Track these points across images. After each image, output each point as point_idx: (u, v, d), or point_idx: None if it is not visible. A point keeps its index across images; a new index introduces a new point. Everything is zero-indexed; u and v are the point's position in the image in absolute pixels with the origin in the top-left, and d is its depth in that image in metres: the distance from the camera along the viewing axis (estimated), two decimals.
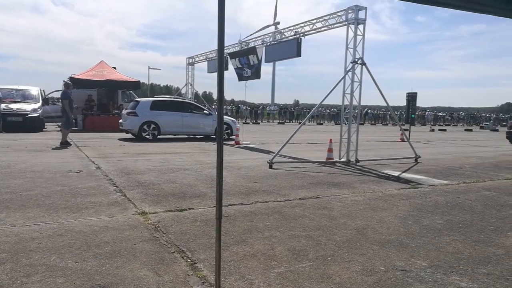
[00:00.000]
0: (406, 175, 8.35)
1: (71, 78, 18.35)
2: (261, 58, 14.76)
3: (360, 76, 9.98)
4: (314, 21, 11.55)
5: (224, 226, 4.20)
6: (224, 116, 19.59)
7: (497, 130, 37.92)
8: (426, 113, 56.55)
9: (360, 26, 9.89)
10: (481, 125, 48.37)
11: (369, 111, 49.83)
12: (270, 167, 8.61)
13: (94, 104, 20.40)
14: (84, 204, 5.02)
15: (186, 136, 15.56)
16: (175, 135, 15.35)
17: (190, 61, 21.21)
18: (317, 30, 11.57)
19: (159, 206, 5.07)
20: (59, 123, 15.81)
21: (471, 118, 59.61)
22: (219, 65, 2.57)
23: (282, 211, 5.01)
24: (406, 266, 3.35)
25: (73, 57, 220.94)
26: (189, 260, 3.34)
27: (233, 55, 16.75)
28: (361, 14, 9.84)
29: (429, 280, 3.09)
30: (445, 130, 35.22)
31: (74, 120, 12.77)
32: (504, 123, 57.11)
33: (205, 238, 3.89)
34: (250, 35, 15.77)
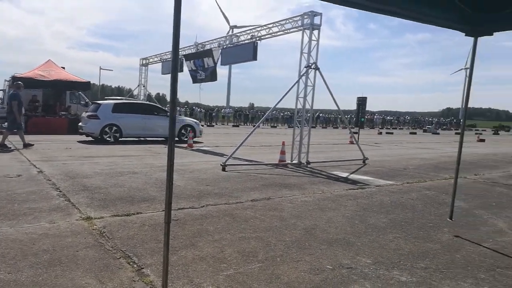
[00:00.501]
0: (354, 176, 8.64)
1: (14, 77, 17.26)
2: (217, 60, 14.72)
3: (313, 80, 10.22)
4: (271, 25, 11.70)
5: (173, 230, 4.13)
6: (188, 118, 19.54)
7: (438, 133, 40.27)
8: (375, 117, 58.93)
9: (315, 32, 10.13)
10: (424, 128, 51.09)
11: (321, 114, 51.08)
12: (223, 169, 8.59)
13: (38, 105, 19.30)
14: (22, 210, 4.73)
15: (139, 139, 15.15)
16: (137, 137, 15.05)
17: (144, 62, 20.73)
18: (273, 34, 11.72)
19: (106, 210, 4.89)
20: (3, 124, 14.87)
21: (415, 122, 62.76)
22: (173, 66, 2.52)
23: (234, 214, 5.01)
24: (352, 264, 3.47)
25: (18, 56, 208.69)
26: (135, 266, 3.25)
27: (188, 57, 16.57)
28: (317, 20, 10.08)
29: (373, 276, 3.21)
30: (392, 133, 36.86)
31: (22, 123, 12.04)
32: (444, 127, 60.82)
33: (153, 243, 3.80)
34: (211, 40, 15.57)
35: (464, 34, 4.64)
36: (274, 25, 11.52)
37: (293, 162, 10.27)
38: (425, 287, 3.05)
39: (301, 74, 10.16)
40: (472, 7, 4.26)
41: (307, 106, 10.41)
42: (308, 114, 10.61)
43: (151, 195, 5.82)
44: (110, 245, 3.69)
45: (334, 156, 12.33)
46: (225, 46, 14.09)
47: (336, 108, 11.53)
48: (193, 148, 13.58)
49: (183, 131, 15.96)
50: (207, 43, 15.47)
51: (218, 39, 14.69)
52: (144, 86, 21.09)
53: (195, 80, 16.57)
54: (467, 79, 4.84)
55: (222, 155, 11.38)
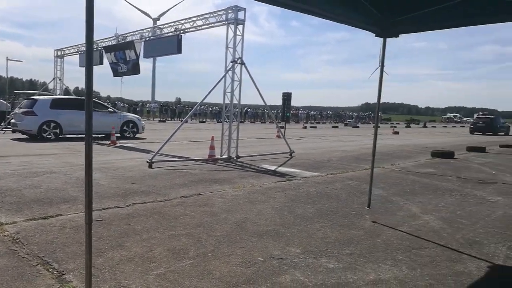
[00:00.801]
0: (282, 169, 8.86)
1: None
2: (140, 53, 14.17)
3: (239, 75, 10.26)
4: (195, 18, 11.50)
5: (97, 232, 3.90)
6: (130, 114, 19.01)
7: (358, 127, 42.87)
8: (300, 112, 60.98)
9: (240, 27, 10.15)
10: (345, 122, 54.08)
11: (248, 109, 51.66)
12: (150, 166, 8.30)
13: None
14: None
15: (56, 137, 14.08)
16: (77, 134, 14.23)
17: (59, 54, 19.24)
18: (198, 28, 11.54)
19: (19, 215, 4.47)
20: None
21: (337, 116, 66.12)
22: (87, 57, 2.35)
23: (162, 211, 4.86)
24: (282, 255, 3.54)
25: None
26: (55, 272, 3.01)
27: (108, 49, 15.72)
28: (241, 15, 10.11)
29: (302, 265, 3.31)
30: (316, 127, 38.47)
31: None
32: (363, 121, 64.88)
33: (75, 246, 3.55)
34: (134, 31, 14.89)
35: (374, 35, 4.95)
36: (198, 18, 11.36)
37: (223, 157, 10.25)
38: (350, 272, 3.21)
39: (228, 68, 10.16)
40: (381, 11, 4.57)
41: (235, 101, 10.44)
42: (236, 109, 10.65)
43: (72, 196, 5.44)
44: (25, 252, 3.37)
45: (262, 150, 12.53)
46: (147, 39, 13.60)
47: (263, 103, 11.72)
48: (117, 145, 12.96)
49: (125, 127, 15.71)
50: (128, 35, 14.80)
51: (140, 31, 14.12)
52: (60, 80, 19.60)
53: (116, 73, 15.80)
54: (382, 75, 5.17)
55: (148, 151, 11.00)
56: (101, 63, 16.61)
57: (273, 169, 8.87)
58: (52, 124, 13.82)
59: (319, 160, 10.69)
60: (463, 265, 3.41)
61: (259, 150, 12.56)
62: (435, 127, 53.68)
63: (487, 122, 32.46)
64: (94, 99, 17.17)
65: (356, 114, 71.49)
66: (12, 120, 14.51)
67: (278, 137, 18.63)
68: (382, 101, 5.65)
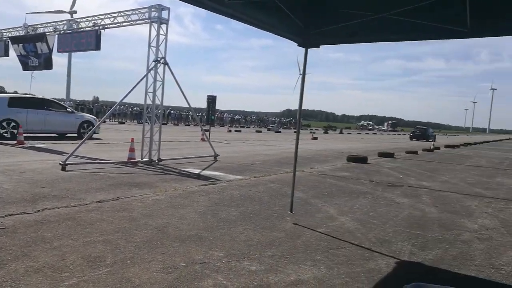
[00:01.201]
0: (206, 172, 8.79)
1: None
2: (53, 47, 13.15)
3: (162, 75, 10.00)
4: (115, 14, 10.98)
5: None
6: (87, 115, 18.31)
7: (280, 132, 44.17)
8: (224, 115, 61.24)
9: (163, 26, 9.90)
10: (268, 127, 55.43)
11: (172, 111, 50.60)
12: (63, 169, 7.72)
13: None
14: None
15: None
16: (35, 133, 14.23)
17: None
18: (119, 24, 11.03)
19: None
20: None
21: (260, 121, 67.52)
22: None
23: (76, 217, 4.54)
24: (205, 259, 3.50)
25: None
26: None
27: (16, 40, 14.36)
28: (164, 14, 9.87)
29: (225, 269, 3.30)
30: (240, 131, 38.86)
31: None
32: (285, 126, 67.03)
33: None
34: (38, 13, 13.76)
35: (297, 44, 5.14)
36: (120, 14, 10.87)
37: (144, 160, 9.88)
38: (272, 273, 3.27)
39: (150, 68, 9.85)
40: (304, 23, 4.77)
41: (157, 102, 10.15)
42: (159, 110, 10.36)
43: None
44: None
45: (186, 153, 12.33)
46: (62, 32, 12.68)
47: (187, 105, 11.54)
48: (24, 145, 11.86)
49: (82, 127, 15.73)
50: (40, 26, 13.65)
51: (54, 23, 13.11)
52: None
53: (26, 67, 14.50)
54: (304, 84, 5.38)
55: (61, 153, 10.23)
56: (6, 55, 15.12)
57: (197, 172, 8.76)
58: (12, 123, 13.70)
59: (243, 164, 10.80)
60: (375, 263, 3.66)
61: (182, 153, 12.33)
62: (351, 133, 57.28)
63: (422, 131, 43.91)
64: (52, 99, 15.34)
65: (278, 119, 73.69)
66: None
67: (203, 140, 18.48)
68: (303, 107, 5.87)
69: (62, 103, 17.71)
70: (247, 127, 57.64)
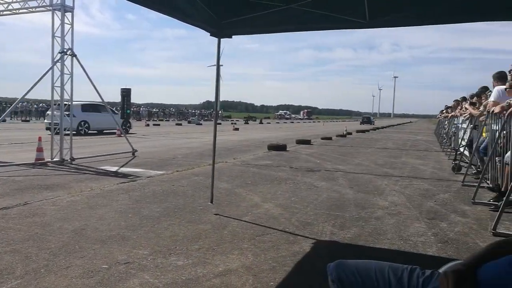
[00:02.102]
0: (124, 169, 8.40)
1: None
2: None
3: (70, 68, 9.29)
4: (10, 0, 9.89)
5: None
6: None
7: (201, 124, 43.83)
8: (141, 109, 58.98)
9: (68, 14, 9.18)
10: (188, 120, 54.63)
11: None
12: None
13: None
14: None
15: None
16: (101, 130, 15.05)
17: None
18: (14, 11, 9.99)
19: None
20: None
21: (180, 113, 66.31)
22: None
23: None
24: (129, 259, 3.35)
25: None
26: None
27: None
28: (68, 1, 9.17)
29: (151, 267, 3.19)
30: (159, 125, 37.76)
31: None
32: (206, 118, 66.64)
33: None
34: None
35: (209, 34, 5.08)
36: (15, 0, 9.83)
37: (54, 160, 9.15)
38: (200, 266, 3.24)
39: (55, 60, 9.10)
40: (215, 12, 4.74)
41: (66, 97, 9.43)
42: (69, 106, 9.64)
43: None
44: None
45: (102, 150, 11.67)
46: None
47: (100, 99, 10.90)
48: None
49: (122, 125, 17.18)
50: None
51: None
52: None
53: None
54: (219, 74, 5.39)
55: None
56: None
57: (114, 170, 8.33)
58: (86, 124, 20.31)
59: (164, 158, 10.52)
60: (299, 245, 3.81)
61: (98, 151, 11.65)
62: (270, 123, 58.80)
63: (367, 118, 72.57)
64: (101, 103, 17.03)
65: (198, 111, 72.97)
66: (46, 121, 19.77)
67: (119, 135, 17.62)
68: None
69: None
70: (166, 120, 56.21)
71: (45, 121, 20.84)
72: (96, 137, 18.69)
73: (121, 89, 19.23)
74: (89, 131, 20.17)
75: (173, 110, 70.13)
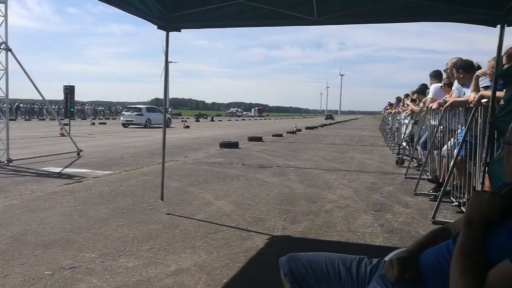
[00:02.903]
0: (69, 170, 8.01)
1: None
2: None
3: (5, 64, 8.68)
4: None
5: None
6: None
7: None
8: (86, 107, 56.50)
9: (1, 6, 8.55)
10: None
11: (21, 105, 44.62)
12: None
13: None
14: None
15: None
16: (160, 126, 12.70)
17: None
18: None
19: None
20: None
21: None
22: None
23: None
24: (75, 263, 3.19)
25: None
26: None
27: None
28: None
29: (99, 270, 3.07)
30: (105, 123, 36.35)
31: None
32: None
33: None
34: None
35: (156, 27, 4.95)
36: None
37: None
38: (151, 267, 3.16)
39: None
40: (161, 4, 4.63)
41: (1, 95, 8.81)
42: (4, 104, 9.02)
43: None
44: None
45: (43, 151, 11.04)
46: None
47: (40, 97, 10.30)
48: None
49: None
50: None
51: None
52: None
53: None
54: (168, 69, 5.29)
55: None
56: None
57: (58, 171, 7.92)
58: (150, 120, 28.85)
59: (112, 158, 10.15)
60: (252, 241, 3.83)
61: (39, 151, 11.00)
62: (221, 120, 58.58)
63: (330, 116, 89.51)
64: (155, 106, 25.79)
65: None
66: (127, 118, 29.10)
67: (62, 135, 16.76)
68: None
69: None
70: (113, 118, 54.23)
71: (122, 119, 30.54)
72: (35, 137, 17.64)
73: (64, 86, 18.26)
74: (151, 126, 27.91)
75: (120, 108, 67.83)
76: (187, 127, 29.56)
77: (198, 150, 12.44)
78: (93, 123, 34.26)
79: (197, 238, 3.89)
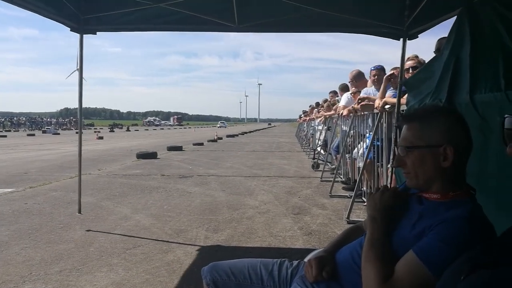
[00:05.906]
0: None
1: None
2: None
3: None
4: None
5: None
6: None
7: (58, 134, 39.70)
8: None
9: None
10: (43, 129, 48.94)
11: None
12: None
13: None
14: None
15: None
16: None
17: None
18: None
19: None
20: None
21: (33, 123, 59.06)
22: None
23: None
24: None
25: None
26: None
27: None
28: None
29: None
30: (6, 136, 32.95)
31: None
32: (64, 127, 60.65)
33: None
34: None
35: (69, 29, 4.64)
36: None
37: None
38: None
39: None
40: (74, 5, 4.35)
41: None
42: None
43: None
44: None
45: None
46: None
47: None
48: None
49: None
50: None
51: None
52: None
53: None
54: (82, 75, 4.93)
55: None
56: None
57: None
58: None
59: (14, 174, 9.21)
60: (173, 254, 3.71)
61: None
62: (138, 130, 56.47)
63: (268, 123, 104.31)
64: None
65: (55, 119, 65.97)
66: None
67: None
68: (83, 105, 5.41)
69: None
70: (15, 130, 49.40)
71: None
72: None
73: None
74: None
75: (24, 119, 62.04)
76: (101, 138, 27.96)
77: (112, 162, 11.81)
78: None
79: (114, 255, 3.67)
